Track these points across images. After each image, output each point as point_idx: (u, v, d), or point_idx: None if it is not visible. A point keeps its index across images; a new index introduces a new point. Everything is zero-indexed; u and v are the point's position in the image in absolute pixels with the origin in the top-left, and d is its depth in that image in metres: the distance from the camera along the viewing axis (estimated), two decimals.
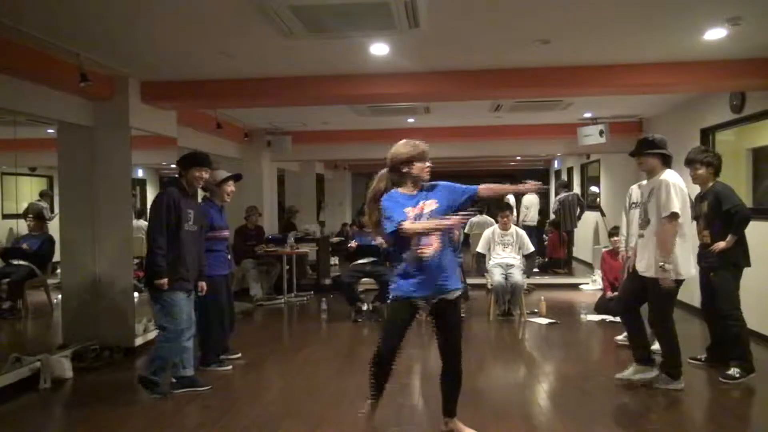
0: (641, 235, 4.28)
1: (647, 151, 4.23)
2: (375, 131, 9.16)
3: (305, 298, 8.52)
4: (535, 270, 9.65)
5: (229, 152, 8.75)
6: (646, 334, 4.36)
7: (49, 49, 4.48)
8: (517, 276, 6.84)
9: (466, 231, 9.45)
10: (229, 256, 5.18)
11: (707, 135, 6.78)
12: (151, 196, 8.02)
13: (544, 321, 6.77)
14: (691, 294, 5.92)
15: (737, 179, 5.77)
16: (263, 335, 6.63)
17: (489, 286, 6.98)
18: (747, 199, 5.49)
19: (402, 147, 3.23)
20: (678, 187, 4.07)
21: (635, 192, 5.19)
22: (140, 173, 11.65)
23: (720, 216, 4.51)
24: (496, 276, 6.86)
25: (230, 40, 4.52)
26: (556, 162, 15.59)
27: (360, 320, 6.91)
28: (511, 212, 7.93)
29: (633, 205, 5.17)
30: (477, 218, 9.78)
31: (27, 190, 8.33)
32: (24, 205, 7.92)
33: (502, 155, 12.58)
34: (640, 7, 3.94)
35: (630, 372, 4.31)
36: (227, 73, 5.54)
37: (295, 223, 10.82)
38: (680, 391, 4.22)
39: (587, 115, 8.22)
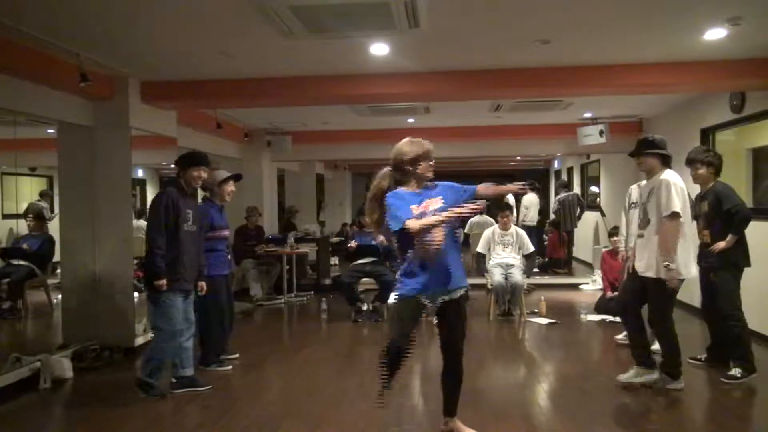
0: (641, 235, 4.27)
1: (647, 151, 4.23)
2: (375, 131, 9.17)
3: (305, 298, 8.52)
4: (535, 270, 9.65)
5: (229, 152, 8.75)
6: (647, 336, 4.34)
7: (49, 49, 4.48)
8: (517, 276, 6.84)
9: (466, 231, 9.46)
10: (229, 256, 5.17)
11: (707, 135, 6.79)
12: (151, 196, 8.02)
13: (544, 321, 6.77)
14: (691, 294, 5.92)
15: (737, 179, 5.77)
16: (263, 335, 6.64)
17: (489, 286, 6.98)
18: (747, 199, 5.49)
19: (406, 146, 3.21)
20: (678, 186, 4.07)
21: (635, 192, 5.19)
22: (140, 173, 11.65)
23: (720, 216, 4.51)
24: (496, 276, 6.86)
25: (230, 40, 4.52)
26: (556, 162, 15.59)
27: (360, 320, 6.91)
28: (511, 212, 7.93)
29: (632, 205, 5.17)
30: (477, 218, 9.76)
31: (27, 190, 8.33)
32: (24, 205, 7.92)
33: (502, 155, 12.58)
34: (640, 7, 3.94)
35: (631, 374, 4.29)
36: (227, 73, 5.54)
37: (295, 223, 10.82)
38: (680, 391, 4.22)
39: (587, 115, 8.22)
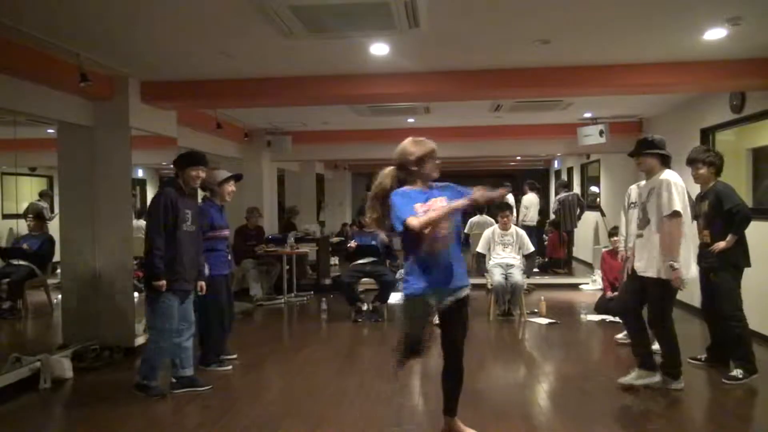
0: (640, 235, 4.26)
1: (646, 152, 4.23)
2: (375, 131, 9.17)
3: (305, 298, 8.52)
4: (535, 270, 9.65)
5: (229, 152, 8.75)
6: (648, 337, 4.32)
7: (49, 49, 4.48)
8: (517, 276, 6.84)
9: (466, 231, 9.45)
10: (229, 256, 5.17)
11: (707, 135, 6.79)
12: (151, 196, 8.02)
13: (544, 321, 6.77)
14: (691, 294, 5.92)
15: (737, 179, 5.77)
16: (263, 335, 6.63)
17: (489, 286, 6.98)
18: (747, 199, 5.49)
19: (411, 146, 3.21)
20: (679, 186, 4.07)
21: (634, 192, 5.19)
22: (140, 173, 11.65)
23: (721, 215, 4.51)
24: (496, 276, 6.86)
25: (230, 40, 4.52)
26: (556, 162, 15.59)
27: (360, 320, 6.91)
28: (511, 212, 7.93)
29: (632, 205, 5.16)
30: (477, 218, 9.78)
31: (27, 190, 8.33)
32: (24, 205, 7.92)
33: (502, 155, 12.58)
34: (640, 7, 3.94)
35: (633, 377, 4.28)
36: (227, 73, 5.54)
37: (295, 223, 10.82)
38: (680, 391, 4.22)
39: (587, 115, 8.22)
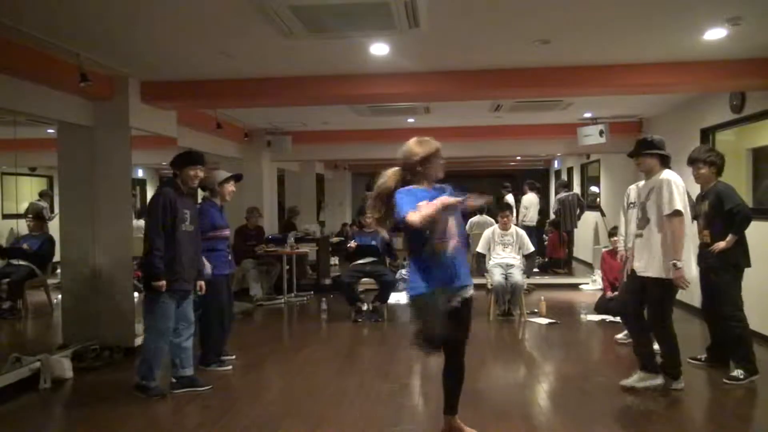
0: (639, 235, 4.25)
1: (645, 152, 4.22)
2: (375, 131, 9.17)
3: (305, 298, 8.52)
4: (535, 270, 9.65)
5: (229, 152, 8.75)
6: (650, 337, 4.31)
7: (49, 49, 4.48)
8: (517, 276, 6.84)
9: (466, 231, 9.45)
10: (230, 256, 5.17)
11: (707, 135, 6.79)
12: (151, 195, 8.05)
13: (544, 321, 6.77)
14: (691, 294, 5.92)
15: (737, 179, 5.77)
16: (263, 335, 6.63)
17: (489, 286, 6.98)
18: (747, 199, 5.49)
19: (416, 146, 3.23)
20: (680, 186, 4.06)
21: (633, 192, 5.17)
22: (140, 173, 11.68)
23: (721, 215, 4.50)
24: (496, 276, 6.86)
25: (230, 40, 4.52)
26: (556, 162, 15.59)
27: (360, 320, 6.91)
28: (511, 212, 7.93)
29: (631, 205, 5.16)
30: (477, 218, 9.78)
31: (27, 190, 8.34)
32: (24, 205, 7.93)
33: (502, 155, 12.59)
34: (640, 7, 3.94)
35: (635, 379, 4.26)
36: (227, 73, 5.54)
37: (295, 223, 10.82)
38: (680, 391, 4.22)
39: (587, 115, 8.22)
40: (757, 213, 5.27)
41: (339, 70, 5.47)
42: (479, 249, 7.27)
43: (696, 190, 4.75)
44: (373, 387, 4.47)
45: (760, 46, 4.83)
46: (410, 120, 8.48)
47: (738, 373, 4.41)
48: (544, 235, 11.35)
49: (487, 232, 7.32)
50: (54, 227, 6.25)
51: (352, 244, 7.39)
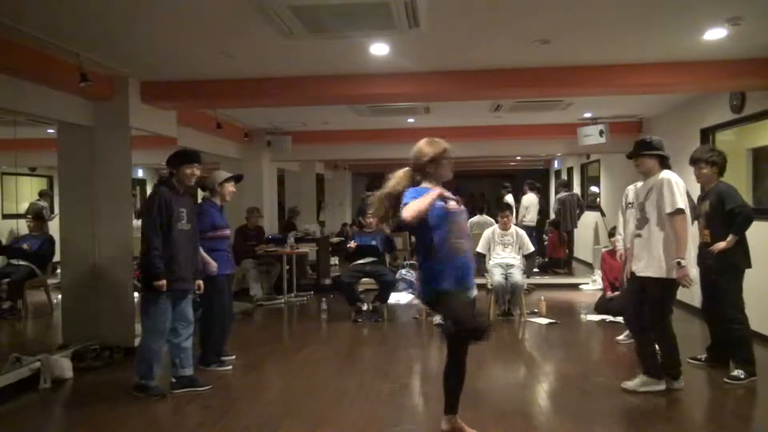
0: (638, 235, 4.23)
1: (645, 153, 4.22)
2: (375, 131, 9.17)
3: (305, 298, 8.52)
4: (535, 270, 9.65)
5: (229, 152, 8.75)
6: (652, 339, 4.28)
7: (49, 49, 4.48)
8: (517, 276, 6.84)
9: None
10: (230, 257, 5.17)
11: (707, 135, 6.79)
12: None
13: (544, 321, 6.77)
14: (691, 294, 5.92)
15: (737, 179, 5.76)
16: (263, 335, 6.63)
17: (489, 286, 6.98)
18: (747, 199, 5.49)
19: (426, 147, 3.30)
20: (680, 185, 4.06)
21: (631, 192, 5.17)
22: (140, 173, 11.68)
23: (722, 215, 4.50)
24: (496, 276, 6.86)
25: (230, 40, 4.52)
26: (556, 162, 15.59)
27: (360, 320, 6.91)
28: (511, 212, 7.93)
29: (629, 206, 5.15)
30: (477, 218, 9.78)
31: (27, 190, 8.34)
32: (24, 205, 7.93)
33: (502, 155, 12.58)
34: (640, 7, 3.94)
35: (637, 383, 4.24)
36: (227, 73, 5.54)
37: (295, 223, 10.82)
38: (680, 391, 4.22)
39: (587, 115, 8.22)
40: (757, 213, 5.26)
41: (339, 70, 5.47)
42: (479, 249, 7.26)
43: (696, 190, 4.75)
44: (373, 387, 4.47)
45: (760, 46, 4.83)
46: (410, 120, 8.47)
47: (738, 373, 4.41)
48: (544, 235, 11.35)
49: (487, 232, 7.32)
50: (54, 227, 6.25)
51: (352, 244, 7.39)
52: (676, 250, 3.98)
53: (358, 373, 4.89)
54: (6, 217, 7.60)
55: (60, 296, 5.93)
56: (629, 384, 4.26)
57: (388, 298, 7.19)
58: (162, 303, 4.21)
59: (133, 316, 5.55)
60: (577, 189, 12.62)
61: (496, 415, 3.83)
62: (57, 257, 6.18)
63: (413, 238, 9.37)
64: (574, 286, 9.31)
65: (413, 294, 8.27)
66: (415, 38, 4.41)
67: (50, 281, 7.25)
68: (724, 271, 4.50)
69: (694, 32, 4.46)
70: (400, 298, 8.07)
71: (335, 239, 11.22)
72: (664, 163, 4.21)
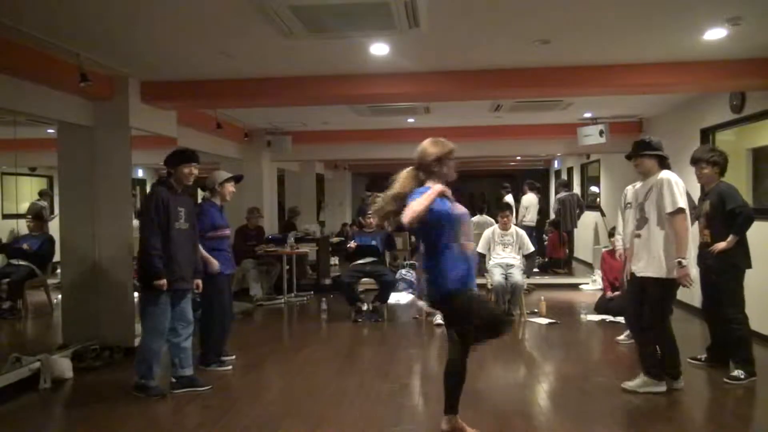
0: (638, 236, 4.23)
1: (644, 153, 4.22)
2: (375, 131, 9.17)
3: (305, 298, 8.52)
4: (535, 270, 9.65)
5: (229, 152, 8.75)
6: (655, 345, 4.27)
7: (49, 49, 4.48)
8: (517, 276, 6.84)
9: None
10: (230, 256, 5.17)
11: (707, 135, 6.78)
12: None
13: (544, 321, 6.77)
14: (691, 294, 5.92)
15: (737, 179, 5.76)
16: (263, 335, 6.63)
17: (489, 286, 6.98)
18: (747, 199, 5.49)
19: (431, 146, 3.32)
20: (680, 184, 4.06)
21: (630, 193, 5.17)
22: (140, 173, 11.67)
23: (723, 215, 4.49)
24: (496, 276, 6.86)
25: (230, 40, 4.52)
26: (556, 162, 15.59)
27: (360, 320, 6.91)
28: (511, 212, 7.93)
29: (628, 206, 5.15)
30: (477, 218, 9.77)
31: (27, 190, 8.34)
32: (24, 206, 7.93)
33: (502, 155, 12.57)
34: (640, 7, 3.94)
35: (637, 383, 4.23)
36: (227, 73, 5.54)
37: (295, 223, 10.82)
38: (680, 391, 4.22)
39: (587, 115, 8.22)
40: (757, 213, 5.26)
41: (339, 70, 5.47)
42: (479, 249, 7.25)
43: (696, 190, 4.75)
44: (373, 387, 4.47)
45: (760, 46, 4.83)
46: (410, 120, 8.48)
47: (738, 373, 4.41)
48: (544, 235, 11.35)
49: (487, 232, 7.32)
50: (54, 227, 6.25)
51: (352, 244, 7.39)
52: (677, 249, 3.98)
53: (358, 373, 4.89)
54: (6, 217, 7.60)
55: (60, 296, 5.93)
56: (629, 384, 4.26)
57: (388, 298, 7.19)
58: (161, 303, 4.21)
59: (133, 316, 5.55)
60: (577, 189, 12.62)
61: (496, 415, 3.83)
62: (57, 257, 6.18)
63: (413, 238, 9.40)
64: (574, 286, 9.31)
65: (413, 294, 8.28)
66: (415, 38, 4.41)
67: (50, 281, 7.25)
68: (724, 271, 4.50)
69: (694, 32, 4.46)
70: (400, 298, 8.07)
71: (335, 239, 11.22)
72: (664, 164, 4.21)
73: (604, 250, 7.49)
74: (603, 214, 10.38)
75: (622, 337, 5.71)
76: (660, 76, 5.35)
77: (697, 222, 4.72)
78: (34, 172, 8.74)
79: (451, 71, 5.52)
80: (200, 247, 4.67)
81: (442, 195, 3.22)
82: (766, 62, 5.13)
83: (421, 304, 6.83)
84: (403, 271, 8.78)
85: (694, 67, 5.25)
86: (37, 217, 7.53)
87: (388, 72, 5.50)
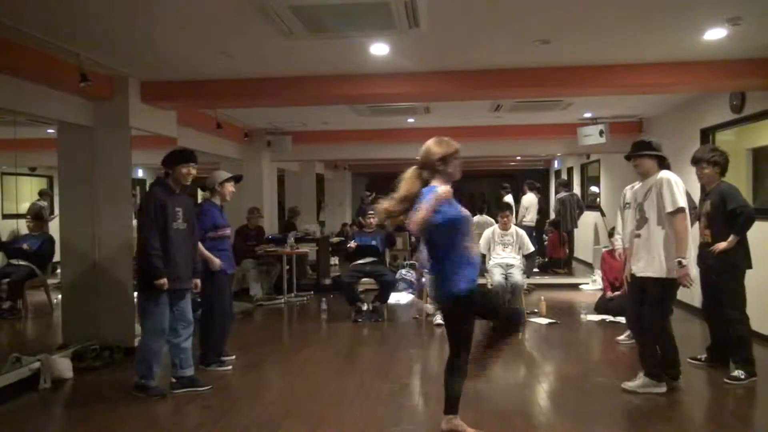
0: (637, 236, 4.23)
1: (643, 153, 4.21)
2: (375, 131, 9.17)
3: (305, 298, 8.52)
4: (535, 270, 9.65)
5: (229, 152, 8.75)
6: (655, 345, 4.27)
7: (49, 49, 4.48)
8: (517, 276, 6.84)
9: None
10: (231, 256, 5.17)
11: (707, 135, 6.78)
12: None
13: (544, 321, 6.77)
14: (691, 294, 5.92)
15: (737, 179, 5.76)
16: (263, 335, 6.63)
17: (489, 286, 6.97)
18: (747, 199, 5.49)
19: (435, 146, 3.30)
20: (679, 184, 4.06)
21: (629, 193, 5.17)
22: (140, 173, 11.67)
23: (724, 215, 4.49)
24: (496, 276, 6.85)
25: (230, 40, 4.52)
26: (556, 162, 15.59)
27: (360, 320, 6.91)
28: (511, 212, 7.93)
29: (626, 206, 5.14)
30: (477, 218, 9.77)
31: (27, 190, 8.34)
32: (24, 206, 7.93)
33: (502, 155, 12.58)
34: (640, 7, 3.94)
35: (637, 384, 4.23)
36: (227, 73, 5.54)
37: (295, 223, 10.82)
38: (680, 391, 4.21)
39: (587, 115, 8.22)
40: (758, 213, 5.26)
41: (339, 70, 5.47)
42: (479, 249, 7.27)
43: (696, 190, 4.74)
44: (373, 387, 4.47)
45: (760, 46, 4.83)
46: (410, 120, 8.48)
47: (739, 373, 4.40)
48: (544, 235, 11.35)
49: (487, 232, 7.32)
50: (54, 227, 6.25)
51: (352, 244, 7.39)
52: (677, 249, 3.98)
53: (358, 373, 4.89)
54: (6, 217, 7.60)
55: (60, 296, 5.93)
56: (630, 384, 4.26)
57: (388, 298, 7.19)
58: (161, 302, 4.21)
59: (133, 316, 5.55)
60: (577, 189, 12.62)
61: (496, 415, 3.83)
62: (57, 257, 6.18)
63: (413, 238, 9.40)
64: (574, 286, 9.31)
65: (413, 294, 8.28)
66: (415, 38, 4.41)
67: (50, 281, 7.25)
68: (724, 272, 4.50)
69: (694, 32, 4.46)
70: (400, 298, 8.07)
71: (335, 239, 11.21)
72: (663, 164, 4.21)
73: (604, 250, 7.49)
74: (603, 214, 10.38)
75: (622, 337, 5.71)
76: (660, 76, 5.35)
77: (697, 222, 4.72)
78: (34, 172, 8.74)
79: (451, 71, 5.52)
80: (201, 246, 4.67)
81: (448, 199, 3.19)
82: (766, 62, 5.13)
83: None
84: (403, 271, 8.78)
85: (694, 67, 5.26)
86: (37, 217, 7.53)
87: (388, 72, 5.50)
